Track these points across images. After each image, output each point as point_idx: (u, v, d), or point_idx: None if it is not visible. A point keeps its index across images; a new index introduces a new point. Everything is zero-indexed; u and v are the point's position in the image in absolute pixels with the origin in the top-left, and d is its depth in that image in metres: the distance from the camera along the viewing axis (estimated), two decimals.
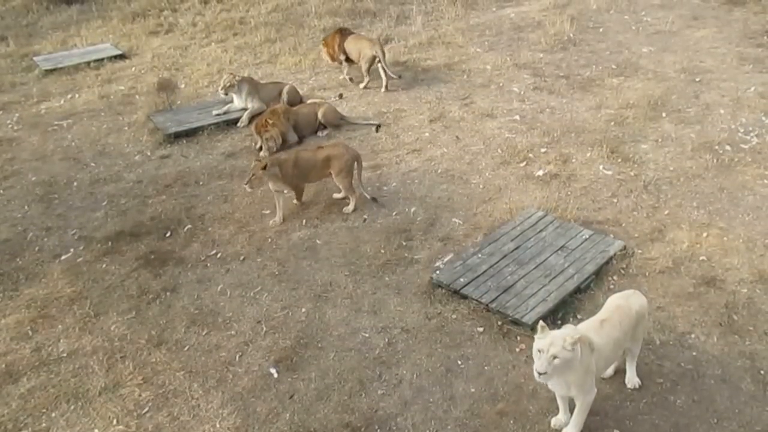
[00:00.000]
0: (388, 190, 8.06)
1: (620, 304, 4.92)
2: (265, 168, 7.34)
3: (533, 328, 5.66)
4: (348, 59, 11.23)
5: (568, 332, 4.41)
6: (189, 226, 7.56)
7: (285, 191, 7.69)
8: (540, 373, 4.30)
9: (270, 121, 8.95)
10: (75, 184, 8.59)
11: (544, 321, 4.56)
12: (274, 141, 8.94)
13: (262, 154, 8.94)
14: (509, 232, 7.00)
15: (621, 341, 4.82)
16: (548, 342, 4.28)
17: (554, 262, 6.51)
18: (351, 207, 7.64)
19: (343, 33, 11.36)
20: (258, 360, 5.71)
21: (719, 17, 13.29)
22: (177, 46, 13.14)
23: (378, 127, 9.61)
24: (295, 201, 7.81)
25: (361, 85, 10.96)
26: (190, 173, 8.62)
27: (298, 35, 13.62)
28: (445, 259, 6.76)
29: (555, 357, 4.25)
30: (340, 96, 10.61)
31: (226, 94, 9.99)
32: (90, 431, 5.15)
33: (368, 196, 7.75)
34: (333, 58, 11.46)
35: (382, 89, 10.83)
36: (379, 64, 10.75)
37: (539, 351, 4.29)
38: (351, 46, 11.10)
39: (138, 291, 6.60)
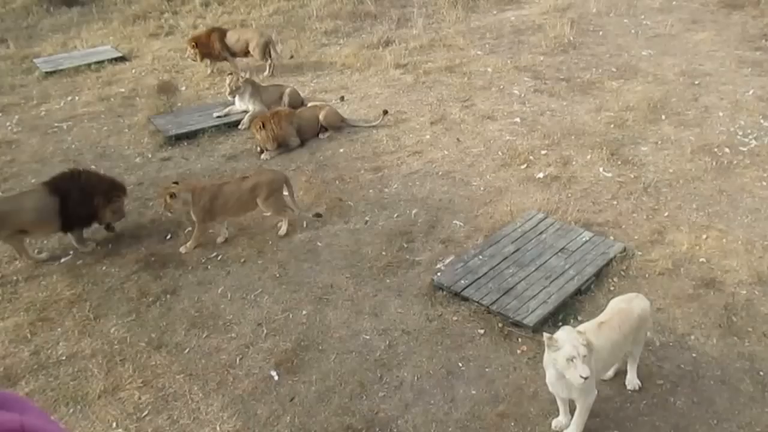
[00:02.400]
0: (389, 192, 8.06)
1: (622, 308, 4.92)
2: (172, 196, 6.82)
3: (534, 330, 5.68)
4: (232, 54, 11.77)
5: (574, 332, 4.41)
6: (189, 228, 7.55)
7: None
8: (585, 377, 4.26)
9: (263, 123, 8.93)
10: None
11: (542, 328, 4.54)
12: (263, 143, 8.98)
13: (263, 157, 8.96)
14: (510, 234, 7.00)
15: (620, 344, 4.82)
16: (573, 346, 4.26)
17: (555, 264, 6.52)
18: (284, 230, 7.34)
19: (219, 30, 11.85)
20: (258, 363, 5.71)
21: (718, 21, 13.32)
22: (178, 49, 13.13)
23: (385, 112, 9.78)
24: (187, 244, 7.16)
25: (265, 74, 11.67)
26: (190, 176, 8.61)
27: (299, 38, 13.63)
28: (446, 261, 6.76)
29: (585, 356, 4.25)
30: (342, 99, 10.62)
31: (234, 96, 10.01)
32: None
33: (310, 215, 7.49)
34: (212, 56, 11.78)
35: (266, 72, 11.78)
36: (271, 49, 11.66)
37: (571, 359, 4.26)
38: (235, 39, 11.67)
39: (138, 293, 6.60)
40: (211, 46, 11.62)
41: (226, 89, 10.04)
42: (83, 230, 7.24)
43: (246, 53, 11.87)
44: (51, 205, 6.81)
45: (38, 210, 6.76)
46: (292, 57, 12.32)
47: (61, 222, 6.94)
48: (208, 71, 11.98)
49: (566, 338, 4.34)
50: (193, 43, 11.62)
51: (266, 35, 11.88)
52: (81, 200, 6.91)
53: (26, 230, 6.90)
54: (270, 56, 11.79)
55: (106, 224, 7.36)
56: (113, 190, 7.17)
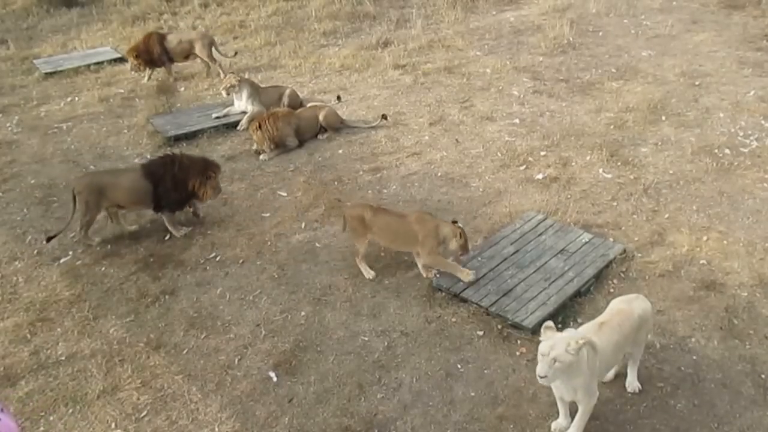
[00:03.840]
0: (388, 193, 8.05)
1: (622, 308, 4.90)
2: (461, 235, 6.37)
3: (534, 332, 5.66)
4: (170, 59, 11.73)
5: (572, 336, 4.40)
6: (188, 229, 7.54)
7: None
8: (541, 377, 4.28)
9: (259, 123, 8.92)
10: None
11: (550, 325, 4.53)
12: (260, 143, 8.98)
13: (261, 158, 8.95)
14: (509, 235, 6.99)
15: (621, 345, 4.80)
16: (549, 345, 4.27)
17: (554, 265, 6.50)
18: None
19: (158, 34, 11.78)
20: (257, 363, 5.70)
21: (718, 21, 13.31)
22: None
23: (384, 117, 9.79)
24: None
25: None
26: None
27: (298, 39, 13.64)
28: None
29: (555, 360, 4.24)
30: (338, 98, 10.60)
31: (228, 94, 10.01)
32: None
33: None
34: (153, 63, 11.66)
35: (221, 74, 11.61)
36: (214, 49, 11.80)
37: (541, 354, 4.28)
38: (176, 42, 11.64)
39: (137, 294, 6.59)
40: (150, 52, 11.51)
41: (222, 87, 10.07)
42: (176, 213, 7.56)
43: (187, 56, 11.84)
44: (144, 188, 7.24)
45: (132, 190, 7.22)
46: (236, 54, 12.47)
47: (154, 205, 7.39)
48: (145, 79, 11.86)
49: (554, 336, 4.36)
50: (134, 54, 11.52)
51: (208, 36, 11.97)
52: (173, 186, 7.29)
53: (122, 206, 7.38)
54: (217, 55, 11.93)
55: (193, 210, 7.74)
56: (207, 169, 7.43)
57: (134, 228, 7.62)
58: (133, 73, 11.85)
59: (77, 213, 7.23)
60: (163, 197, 7.31)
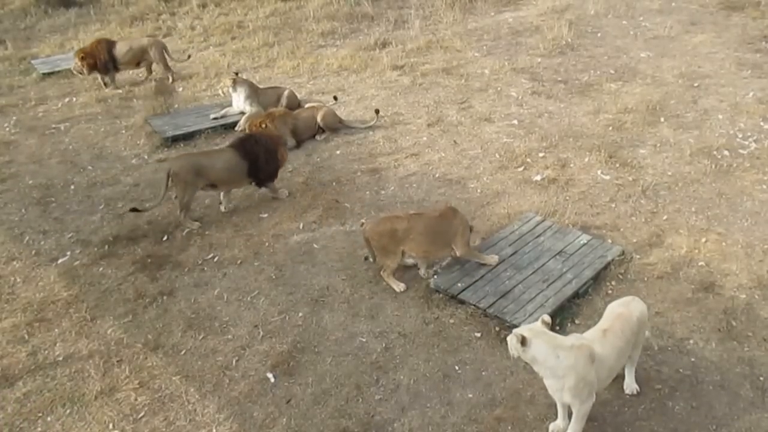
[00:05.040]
0: (385, 194, 8.05)
1: (621, 312, 4.89)
2: None
3: None
4: (116, 67, 11.68)
5: (524, 328, 4.54)
6: (186, 229, 7.53)
7: None
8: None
9: (263, 125, 8.92)
10: (72, 187, 8.57)
11: (546, 320, 4.58)
12: None
13: None
14: (507, 236, 6.98)
15: (624, 350, 4.79)
16: (520, 330, 4.53)
17: (552, 267, 6.50)
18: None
19: (107, 41, 11.73)
20: (255, 364, 5.69)
21: (717, 22, 13.31)
22: (175, 50, 13.12)
23: (377, 111, 9.88)
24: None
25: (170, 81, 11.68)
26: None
27: (296, 39, 13.63)
28: (443, 264, 6.74)
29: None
30: (335, 98, 10.60)
31: (225, 94, 10.05)
32: None
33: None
34: (98, 68, 11.58)
35: (170, 80, 11.85)
36: (166, 55, 11.87)
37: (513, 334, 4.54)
38: (125, 49, 11.61)
39: (135, 295, 6.58)
40: (96, 57, 11.45)
41: (221, 87, 10.10)
42: (273, 181, 8.05)
43: (138, 64, 11.82)
44: (240, 167, 7.66)
45: (228, 169, 7.60)
46: (189, 57, 12.48)
47: (253, 181, 7.88)
48: (106, 89, 11.73)
49: (524, 328, 4.56)
50: (81, 55, 11.46)
51: (160, 42, 11.98)
52: (268, 159, 7.83)
53: (216, 185, 7.66)
54: (167, 59, 11.96)
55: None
56: (281, 137, 8.29)
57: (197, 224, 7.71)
58: (75, 73, 11.77)
59: (176, 196, 7.54)
60: (262, 171, 7.79)
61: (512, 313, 5.90)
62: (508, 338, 4.53)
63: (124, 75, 12.05)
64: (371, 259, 6.63)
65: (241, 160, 7.62)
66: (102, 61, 11.46)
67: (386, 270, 6.47)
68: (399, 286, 6.43)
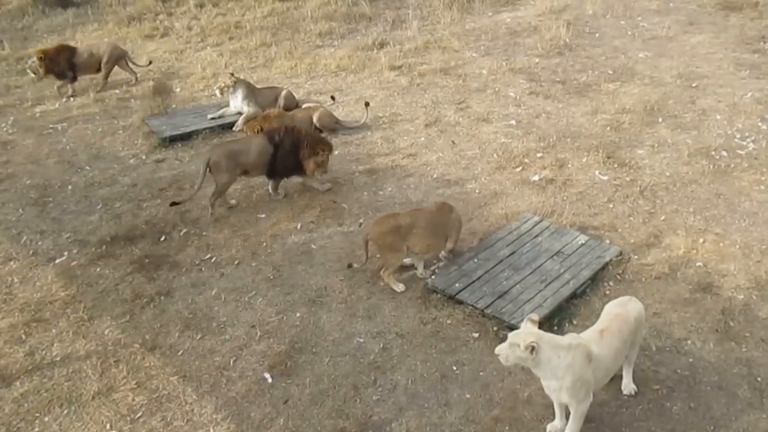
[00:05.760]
0: (383, 194, 8.04)
1: (618, 312, 4.89)
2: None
3: None
4: (74, 75, 11.56)
5: (525, 333, 4.47)
6: (184, 230, 7.53)
7: None
8: (497, 353, 4.51)
9: (261, 127, 8.90)
10: (69, 187, 8.56)
11: (534, 319, 4.56)
12: None
13: None
14: (505, 237, 6.98)
15: (622, 350, 4.79)
16: (515, 334, 4.49)
17: (550, 267, 6.49)
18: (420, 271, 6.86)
19: (69, 48, 11.65)
20: (252, 365, 5.68)
21: (716, 23, 13.32)
22: (172, 50, 13.14)
23: (367, 104, 9.93)
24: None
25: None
26: (185, 177, 8.59)
27: (294, 39, 13.63)
28: (441, 264, 6.74)
29: (498, 355, 4.47)
30: (333, 98, 10.59)
31: (222, 94, 10.00)
32: None
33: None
34: (55, 73, 11.49)
35: (133, 80, 11.90)
36: (128, 60, 11.90)
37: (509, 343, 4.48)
38: (87, 55, 11.56)
39: (132, 295, 6.57)
40: (55, 63, 11.36)
41: (218, 86, 10.08)
42: (282, 180, 8.20)
43: (97, 69, 11.73)
44: (268, 153, 7.89)
45: (260, 154, 7.85)
46: (150, 63, 12.44)
47: (270, 168, 7.99)
48: (68, 97, 11.57)
49: (520, 332, 4.51)
50: (41, 55, 11.36)
51: (119, 48, 11.96)
52: (290, 150, 7.92)
53: (248, 171, 7.95)
54: (132, 65, 12.00)
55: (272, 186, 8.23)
56: (318, 144, 8.01)
57: (234, 203, 8.09)
58: (29, 72, 11.68)
59: (215, 182, 7.75)
60: (279, 161, 7.91)
61: (510, 313, 5.90)
62: (502, 348, 4.47)
63: (121, 75, 12.03)
64: (356, 265, 6.64)
65: (270, 145, 7.86)
66: (60, 68, 11.38)
67: (388, 269, 6.47)
68: (399, 287, 6.43)
